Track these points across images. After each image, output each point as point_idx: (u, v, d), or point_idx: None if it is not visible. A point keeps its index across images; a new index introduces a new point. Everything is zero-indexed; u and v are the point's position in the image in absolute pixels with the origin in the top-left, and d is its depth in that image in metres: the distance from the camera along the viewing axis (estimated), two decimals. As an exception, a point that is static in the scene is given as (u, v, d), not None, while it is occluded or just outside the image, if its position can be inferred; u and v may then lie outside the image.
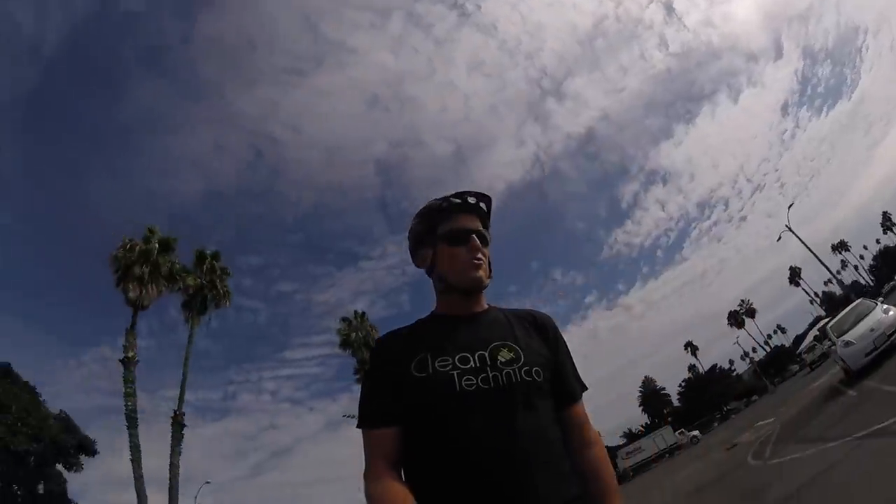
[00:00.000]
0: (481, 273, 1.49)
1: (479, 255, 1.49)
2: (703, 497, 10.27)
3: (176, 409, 23.10)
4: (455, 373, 1.31)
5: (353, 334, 32.22)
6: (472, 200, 1.55)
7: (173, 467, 21.67)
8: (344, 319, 33.42)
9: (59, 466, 20.27)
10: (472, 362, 1.34)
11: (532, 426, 1.29)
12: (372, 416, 1.37)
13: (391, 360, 1.39)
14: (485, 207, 1.58)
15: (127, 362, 22.12)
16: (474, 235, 1.51)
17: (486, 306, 1.57)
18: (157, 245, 24.27)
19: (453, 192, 1.57)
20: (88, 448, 20.06)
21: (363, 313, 34.53)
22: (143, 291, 23.33)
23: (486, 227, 1.59)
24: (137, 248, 23.73)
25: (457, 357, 1.35)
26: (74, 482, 22.29)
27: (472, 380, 1.30)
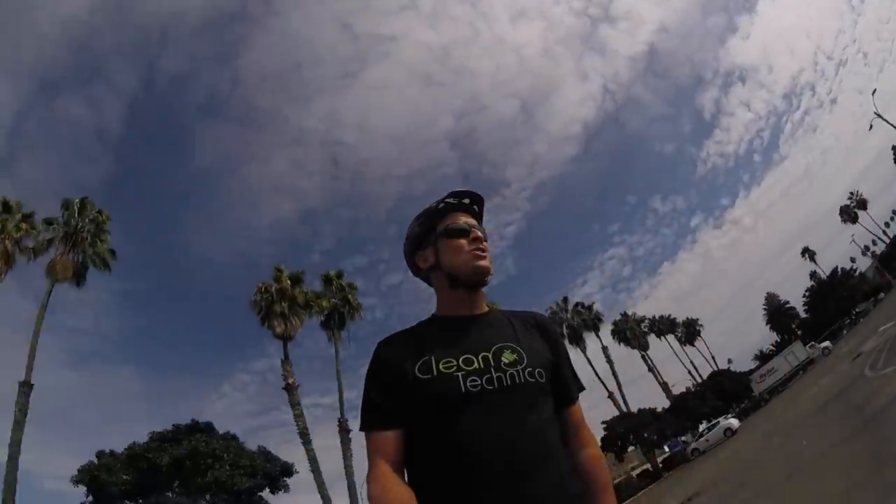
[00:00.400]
0: (486, 262, 1.50)
1: (483, 246, 1.52)
2: (823, 415, 10.62)
3: (340, 417, 27.08)
4: (459, 374, 1.32)
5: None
6: (466, 201, 1.59)
7: (348, 468, 25.63)
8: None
9: (266, 492, 24.43)
10: (476, 363, 1.34)
11: (536, 426, 1.32)
12: (374, 419, 1.37)
13: (393, 363, 1.39)
14: (477, 209, 1.62)
15: (290, 388, 26.24)
16: (476, 228, 1.54)
17: (486, 308, 1.58)
18: (288, 282, 27.97)
19: (447, 194, 1.59)
20: (289, 471, 24.09)
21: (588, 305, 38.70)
22: (287, 324, 27.17)
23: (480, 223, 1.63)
24: (273, 288, 27.52)
25: (461, 359, 1.35)
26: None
27: (476, 381, 1.31)
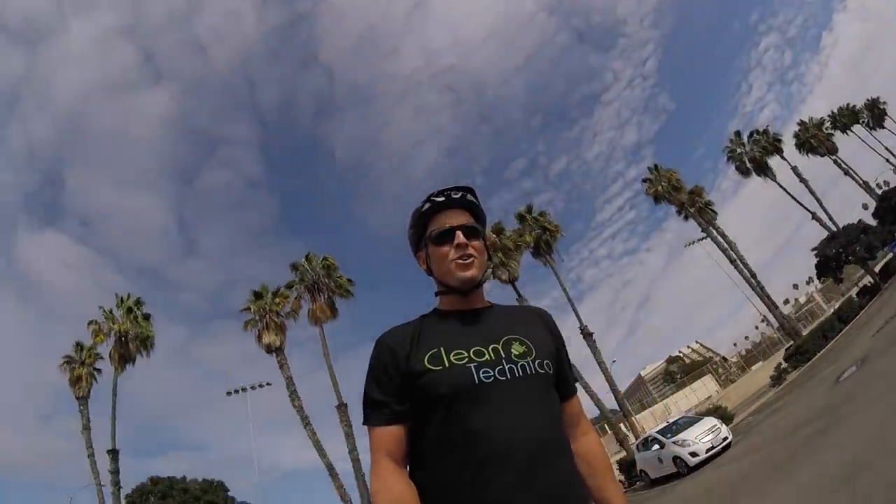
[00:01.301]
0: (471, 272, 1.48)
1: (467, 252, 1.48)
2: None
3: (580, 325, 31.24)
4: (472, 365, 1.33)
5: (658, 187, 36.31)
6: (455, 195, 1.54)
7: (601, 364, 30.32)
8: (644, 181, 37.51)
9: None
10: (487, 355, 1.36)
11: (549, 417, 1.36)
12: (378, 415, 1.38)
13: (398, 355, 1.39)
14: (471, 198, 1.57)
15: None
16: (459, 231, 1.49)
17: (488, 303, 1.59)
18: (493, 234, 31.01)
19: (435, 191, 1.56)
20: None
21: (656, 165, 37.70)
22: (509, 270, 30.66)
23: (478, 217, 1.59)
24: (489, 241, 30.58)
25: (472, 350, 1.36)
26: None
27: (489, 372, 1.33)
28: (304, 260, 29.23)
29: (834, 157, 46.19)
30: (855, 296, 33.42)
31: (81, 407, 28.65)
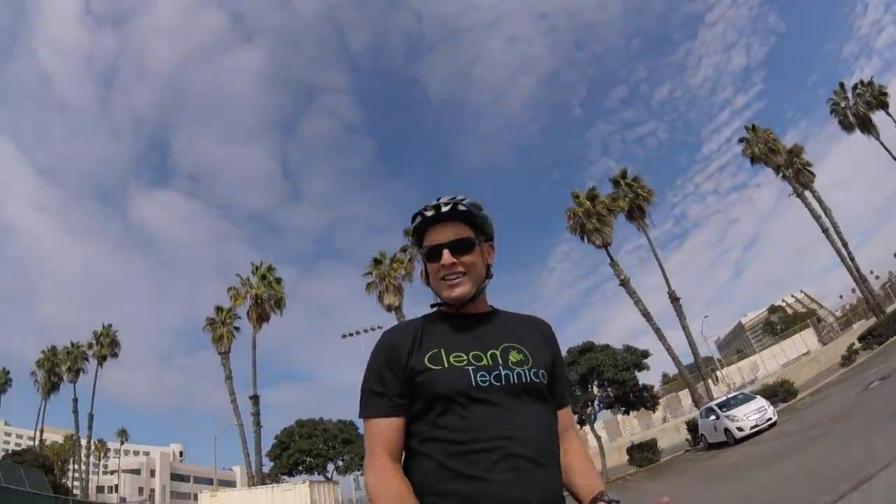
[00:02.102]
0: (458, 291, 1.47)
1: (454, 271, 1.48)
2: None
3: (668, 290, 32.93)
4: (470, 368, 1.36)
5: (755, 148, 36.45)
6: (445, 208, 1.50)
7: (686, 328, 32.39)
8: (741, 140, 37.73)
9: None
10: (485, 360, 1.39)
11: (540, 425, 1.37)
12: (376, 408, 1.40)
13: (400, 351, 1.42)
14: (463, 207, 1.51)
15: (624, 283, 32.47)
16: (445, 250, 1.48)
17: (490, 308, 1.61)
18: (587, 202, 32.73)
19: (425, 205, 1.55)
20: (647, 354, 30.56)
21: (753, 125, 37.37)
22: (603, 235, 32.47)
23: (475, 226, 1.55)
24: (579, 211, 32.60)
25: (470, 354, 1.39)
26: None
27: (485, 377, 1.35)
28: (414, 226, 33.02)
29: None
30: None
31: (224, 361, 34.97)
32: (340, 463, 33.70)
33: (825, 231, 34.69)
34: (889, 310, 32.24)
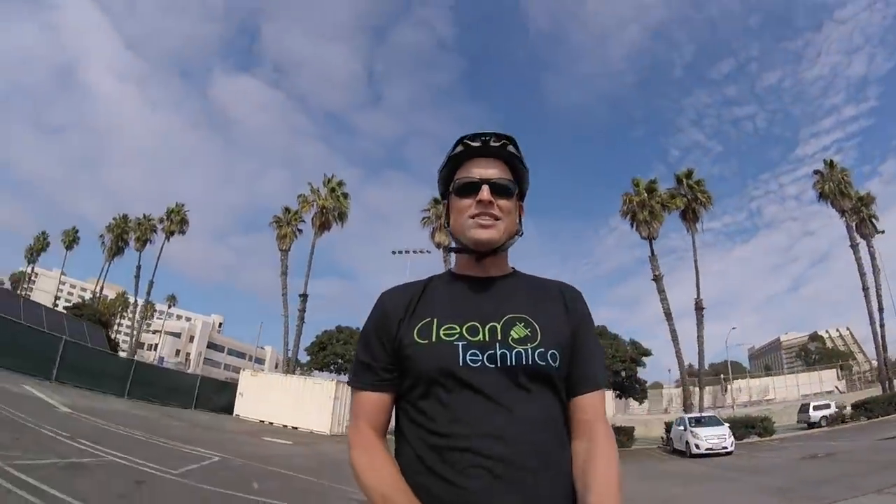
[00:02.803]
0: (489, 234, 1.31)
1: (489, 212, 1.31)
2: None
3: (696, 297, 34.58)
4: (461, 344, 1.20)
5: (827, 185, 36.49)
6: (494, 143, 1.35)
7: (699, 339, 33.98)
8: (815, 172, 37.69)
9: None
10: (481, 334, 1.22)
11: (537, 416, 1.18)
12: (362, 379, 1.31)
13: (392, 320, 1.30)
14: (512, 149, 1.37)
15: (657, 279, 34.41)
16: (486, 186, 1.31)
17: (509, 270, 1.43)
18: (645, 193, 34.28)
19: (470, 133, 1.37)
20: (647, 353, 32.84)
21: (832, 161, 37.43)
22: (650, 228, 34.23)
23: (515, 171, 1.39)
24: (636, 200, 34.33)
25: (465, 326, 1.24)
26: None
27: (477, 356, 1.19)
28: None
29: None
30: None
31: (283, 257, 39.20)
32: None
33: (865, 290, 35.00)
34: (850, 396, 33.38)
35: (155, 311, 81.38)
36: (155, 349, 74.87)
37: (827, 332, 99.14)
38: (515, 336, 1.23)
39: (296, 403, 26.46)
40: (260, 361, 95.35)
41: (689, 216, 35.36)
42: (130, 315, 56.30)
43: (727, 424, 21.53)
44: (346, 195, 40.52)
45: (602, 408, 1.31)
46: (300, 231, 40.59)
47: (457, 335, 1.22)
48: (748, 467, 15.44)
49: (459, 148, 1.37)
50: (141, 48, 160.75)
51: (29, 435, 9.19)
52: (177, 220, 48.74)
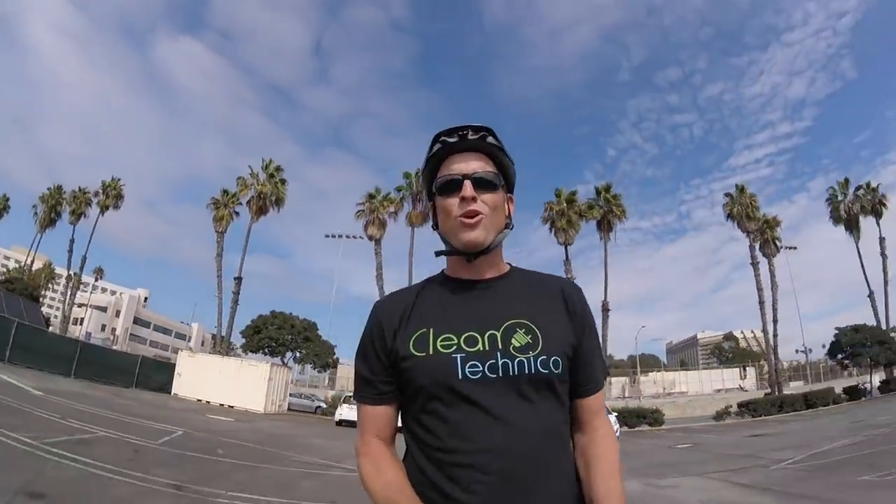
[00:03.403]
0: (476, 234, 1.27)
1: (473, 208, 1.28)
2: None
3: (603, 299, 39.65)
4: (459, 356, 1.18)
5: (735, 208, 41.58)
6: (472, 136, 1.33)
7: (604, 337, 38.60)
8: (727, 195, 42.74)
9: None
10: (480, 344, 1.20)
11: (540, 427, 1.18)
12: (364, 394, 1.32)
13: (387, 331, 1.28)
14: (492, 140, 1.34)
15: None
16: (468, 181, 1.29)
17: (505, 269, 1.40)
18: (565, 203, 38.82)
19: (447, 128, 1.35)
20: None
21: (742, 187, 42.32)
22: (567, 235, 38.83)
23: (501, 166, 1.37)
24: (556, 209, 38.79)
25: (463, 336, 1.21)
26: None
27: (477, 367, 1.17)
28: (415, 173, 39.40)
29: None
30: (842, 391, 35.14)
31: (218, 239, 41.56)
32: (298, 354, 41.02)
33: (761, 304, 40.19)
34: (789, 390, 38.56)
35: (81, 283, 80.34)
36: (81, 324, 74.30)
37: (742, 332, 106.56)
38: (516, 344, 1.20)
39: (232, 384, 29.27)
40: (184, 337, 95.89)
41: (605, 226, 40.10)
42: (56, 287, 56.33)
43: (615, 414, 23.75)
44: (283, 181, 42.87)
45: (602, 403, 1.35)
46: (237, 214, 42.63)
47: (454, 346, 1.20)
48: (620, 451, 19.48)
49: (437, 146, 1.34)
50: (85, 2, 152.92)
51: (30, 417, 11.81)
52: (112, 195, 49.32)
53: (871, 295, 42.95)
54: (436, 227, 1.40)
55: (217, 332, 40.92)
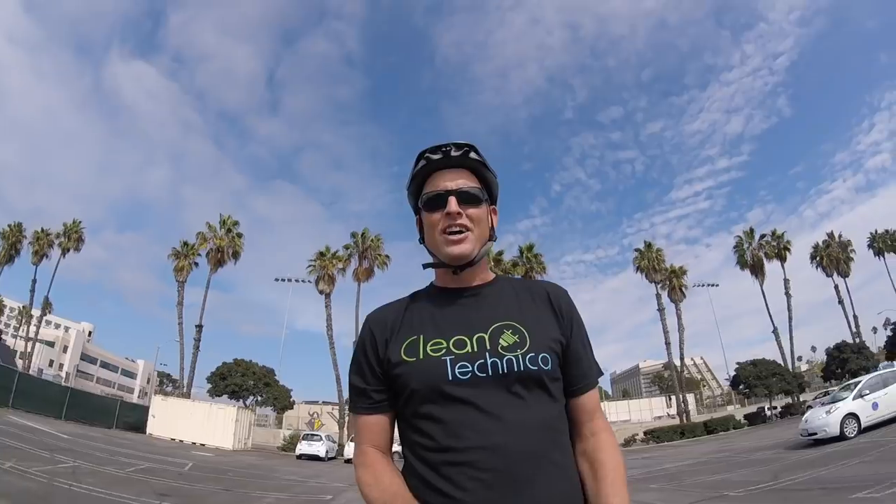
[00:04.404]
0: (460, 248, 1.38)
1: (458, 223, 1.38)
2: None
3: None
4: (448, 359, 1.26)
5: (643, 262, 48.95)
6: (455, 153, 1.42)
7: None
8: (637, 250, 50.33)
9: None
10: (468, 346, 1.28)
11: (535, 424, 1.23)
12: (358, 404, 1.39)
13: (379, 341, 1.37)
14: (475, 156, 1.43)
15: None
16: (452, 197, 1.39)
17: (490, 276, 1.49)
18: (492, 263, 45.73)
19: (431, 146, 1.45)
20: None
21: (649, 244, 50.23)
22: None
23: (484, 181, 1.47)
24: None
25: (452, 340, 1.29)
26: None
27: (467, 367, 1.25)
28: (361, 233, 46.69)
29: (836, 284, 52.60)
30: (743, 417, 41.41)
31: (179, 288, 47.12)
32: (259, 398, 46.70)
33: (668, 345, 47.90)
34: (697, 419, 44.51)
35: (31, 317, 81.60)
36: (28, 359, 75.62)
37: (682, 359, 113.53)
38: (504, 344, 1.27)
39: (203, 424, 34.82)
40: (130, 375, 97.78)
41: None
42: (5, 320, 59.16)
43: None
44: (240, 235, 48.71)
45: (597, 402, 1.43)
46: (196, 265, 47.64)
47: (444, 350, 1.27)
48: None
49: (422, 163, 1.43)
50: (39, 12, 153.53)
51: (95, 456, 16.08)
52: (74, 238, 52.76)
53: (774, 331, 49.49)
54: (422, 241, 1.50)
55: (180, 376, 45.97)
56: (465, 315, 1.37)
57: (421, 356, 1.29)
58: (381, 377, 1.36)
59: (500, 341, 1.29)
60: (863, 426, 15.98)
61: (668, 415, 59.42)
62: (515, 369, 1.25)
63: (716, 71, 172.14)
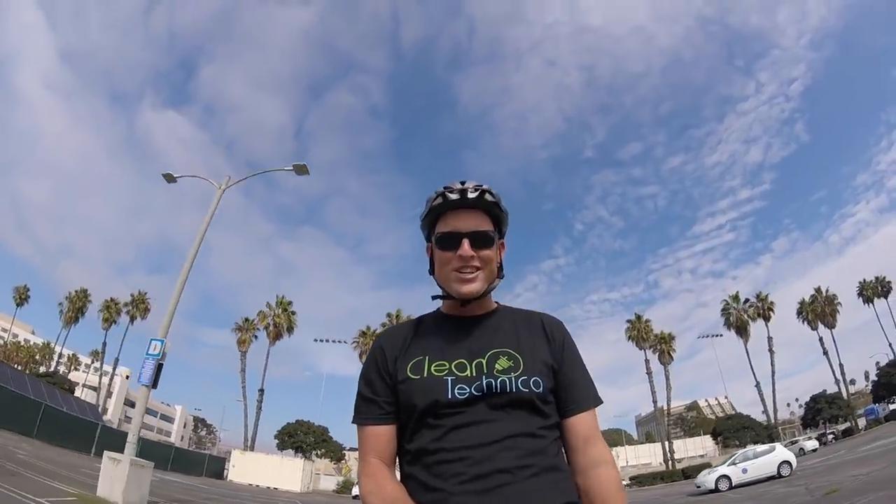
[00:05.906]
0: (469, 288, 1.52)
1: (471, 265, 1.51)
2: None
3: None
4: (450, 379, 1.41)
5: (633, 332, 57.36)
6: (472, 194, 1.53)
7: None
8: (628, 321, 58.74)
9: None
10: (468, 370, 1.43)
11: (517, 430, 1.36)
12: (365, 414, 1.52)
13: (388, 358, 1.53)
14: (490, 198, 1.56)
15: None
16: (466, 240, 1.51)
17: (493, 306, 1.65)
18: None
19: (449, 185, 1.57)
20: None
21: (639, 316, 58.82)
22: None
23: (496, 220, 1.61)
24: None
25: (454, 363, 1.45)
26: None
27: (465, 389, 1.39)
28: (395, 314, 56.53)
29: (821, 337, 58.23)
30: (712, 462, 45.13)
31: (242, 357, 57.83)
32: (319, 452, 60.20)
33: (654, 402, 56.56)
34: (681, 466, 50.77)
35: (80, 363, 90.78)
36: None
37: (706, 400, 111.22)
38: (500, 367, 1.43)
39: (277, 473, 46.53)
40: (168, 419, 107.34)
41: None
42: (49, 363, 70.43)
43: None
44: (294, 313, 59.13)
45: (594, 424, 1.52)
46: (256, 337, 57.82)
47: (446, 370, 1.43)
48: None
49: (439, 200, 1.55)
50: (75, 62, 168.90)
51: (226, 501, 22.62)
52: (141, 308, 62.89)
53: (757, 385, 55.77)
54: (432, 272, 1.62)
55: (244, 432, 56.44)
56: (467, 341, 1.52)
57: (425, 374, 1.45)
58: (390, 388, 1.50)
59: (496, 365, 1.44)
60: (734, 484, 23.82)
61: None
62: (508, 390, 1.39)
63: (732, 101, 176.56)
